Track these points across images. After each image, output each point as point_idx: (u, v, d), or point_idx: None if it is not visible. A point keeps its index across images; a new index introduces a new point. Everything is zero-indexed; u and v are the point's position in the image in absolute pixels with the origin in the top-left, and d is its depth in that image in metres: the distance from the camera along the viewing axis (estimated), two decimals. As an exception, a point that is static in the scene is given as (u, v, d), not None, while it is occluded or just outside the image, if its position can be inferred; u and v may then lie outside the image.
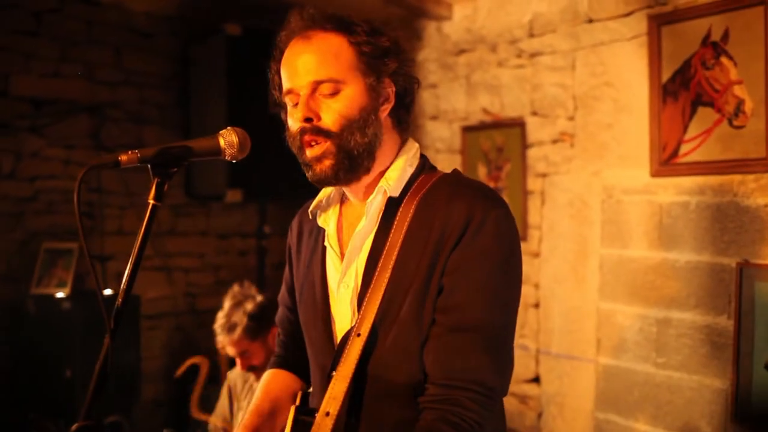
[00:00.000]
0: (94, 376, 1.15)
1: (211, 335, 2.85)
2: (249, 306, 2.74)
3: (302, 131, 1.35)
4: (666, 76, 2.76)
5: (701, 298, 2.66)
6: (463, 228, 1.29)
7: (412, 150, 1.45)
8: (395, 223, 1.35)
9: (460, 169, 1.50)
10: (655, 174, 2.81)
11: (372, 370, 1.33)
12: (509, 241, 1.33)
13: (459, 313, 1.28)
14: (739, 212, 2.55)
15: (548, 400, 3.30)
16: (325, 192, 1.50)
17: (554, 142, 3.27)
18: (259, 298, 2.79)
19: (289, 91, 1.37)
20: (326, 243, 1.46)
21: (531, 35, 3.36)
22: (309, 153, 1.36)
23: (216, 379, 3.28)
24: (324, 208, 1.50)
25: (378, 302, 1.31)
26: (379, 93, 1.38)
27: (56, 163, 3.65)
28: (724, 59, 2.57)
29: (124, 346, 3.33)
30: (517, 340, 3.35)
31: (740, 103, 2.52)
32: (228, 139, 1.30)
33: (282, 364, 1.66)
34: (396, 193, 1.39)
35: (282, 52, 1.40)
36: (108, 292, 3.54)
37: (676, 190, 2.75)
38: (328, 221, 1.48)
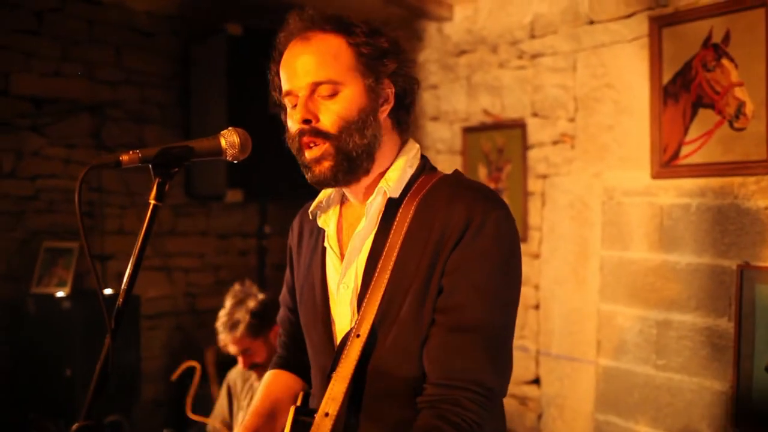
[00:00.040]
0: (94, 376, 1.15)
1: (211, 335, 2.85)
2: (251, 304, 2.75)
3: (301, 133, 1.35)
4: (667, 77, 2.76)
5: (702, 300, 2.66)
6: (463, 229, 1.29)
7: (412, 151, 1.45)
8: (395, 224, 1.35)
9: (460, 170, 1.49)
10: (655, 176, 2.81)
11: (371, 371, 1.33)
12: (509, 242, 1.33)
13: (458, 313, 1.28)
14: (739, 214, 2.55)
15: (548, 402, 3.30)
16: (326, 193, 1.50)
17: (555, 143, 3.27)
18: (261, 296, 2.80)
19: (288, 93, 1.37)
20: (326, 244, 1.46)
21: (532, 36, 3.36)
22: (308, 154, 1.36)
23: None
24: (324, 208, 1.50)
25: (377, 303, 1.31)
26: (379, 94, 1.37)
27: (57, 162, 3.65)
28: (725, 61, 2.57)
29: (124, 346, 3.33)
30: (517, 342, 3.34)
31: (741, 105, 2.52)
32: (229, 139, 1.30)
33: (283, 364, 1.66)
34: (396, 194, 1.39)
35: (281, 54, 1.40)
36: (108, 291, 3.54)
37: (677, 192, 2.75)
38: (328, 222, 1.48)
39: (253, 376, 2.84)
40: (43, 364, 3.27)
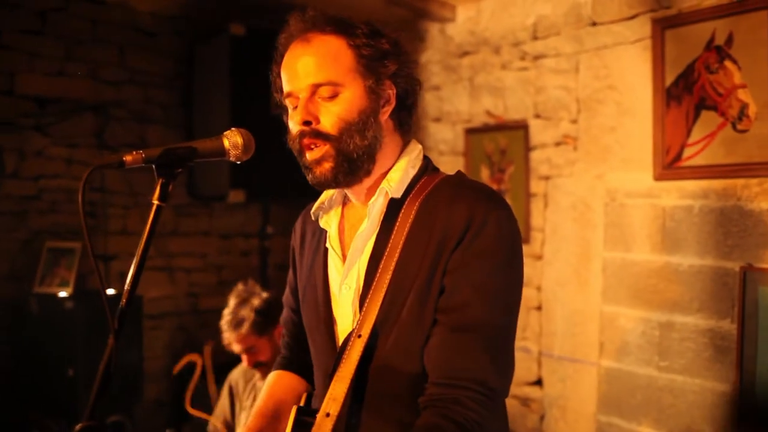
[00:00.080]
0: (98, 376, 1.15)
1: (213, 335, 2.85)
2: (256, 302, 2.76)
3: (301, 134, 1.35)
4: (669, 79, 2.76)
5: (704, 301, 2.66)
6: (465, 228, 1.29)
7: (414, 151, 1.45)
8: (397, 224, 1.35)
9: (463, 171, 1.49)
10: (658, 177, 2.81)
11: (373, 371, 1.33)
12: (511, 242, 1.33)
13: (460, 313, 1.28)
14: (742, 216, 2.55)
15: (550, 403, 3.29)
16: (328, 194, 1.50)
17: (557, 144, 3.27)
18: (265, 294, 2.81)
19: (289, 94, 1.37)
20: (328, 245, 1.46)
21: (534, 38, 3.36)
22: (308, 156, 1.36)
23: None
24: (326, 209, 1.50)
25: (379, 303, 1.31)
26: (379, 95, 1.37)
27: (60, 162, 3.65)
28: (728, 63, 2.57)
29: (127, 346, 3.34)
30: (520, 343, 3.34)
31: (744, 107, 2.52)
32: (232, 140, 1.30)
33: (287, 365, 1.66)
34: (398, 195, 1.39)
35: (282, 55, 1.40)
36: (111, 291, 3.54)
37: (680, 193, 2.75)
38: (330, 223, 1.48)
39: (257, 375, 2.84)
40: (45, 363, 3.27)
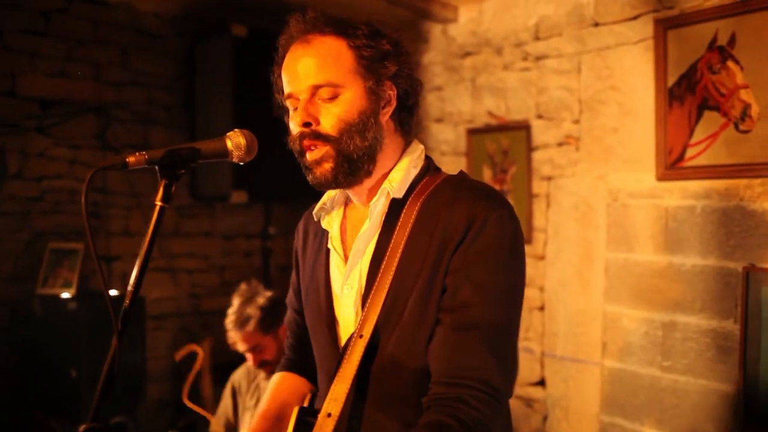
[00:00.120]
0: (101, 377, 1.16)
1: (215, 335, 2.85)
2: (260, 300, 2.77)
3: (302, 136, 1.35)
4: (672, 80, 2.76)
5: (707, 302, 2.65)
6: (466, 228, 1.29)
7: (416, 152, 1.45)
8: (398, 224, 1.35)
9: (465, 171, 1.49)
10: (660, 178, 2.80)
11: (375, 371, 1.33)
12: (512, 241, 1.33)
13: (462, 312, 1.28)
14: (745, 216, 2.54)
15: (553, 404, 3.29)
16: (329, 194, 1.50)
17: (560, 145, 3.27)
18: (269, 293, 2.82)
19: (290, 96, 1.37)
20: (330, 245, 1.46)
21: (537, 38, 3.36)
22: (309, 157, 1.36)
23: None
24: (328, 210, 1.50)
25: (381, 304, 1.31)
26: (380, 96, 1.37)
27: (62, 163, 3.65)
28: (730, 63, 2.57)
29: (130, 347, 3.34)
30: (522, 343, 3.34)
31: (746, 107, 2.52)
32: (235, 141, 1.30)
33: (291, 366, 1.66)
34: (399, 195, 1.39)
35: (283, 56, 1.40)
36: (113, 292, 3.54)
37: (682, 194, 2.75)
38: (331, 223, 1.48)
39: (261, 375, 2.84)
40: (49, 364, 3.27)
